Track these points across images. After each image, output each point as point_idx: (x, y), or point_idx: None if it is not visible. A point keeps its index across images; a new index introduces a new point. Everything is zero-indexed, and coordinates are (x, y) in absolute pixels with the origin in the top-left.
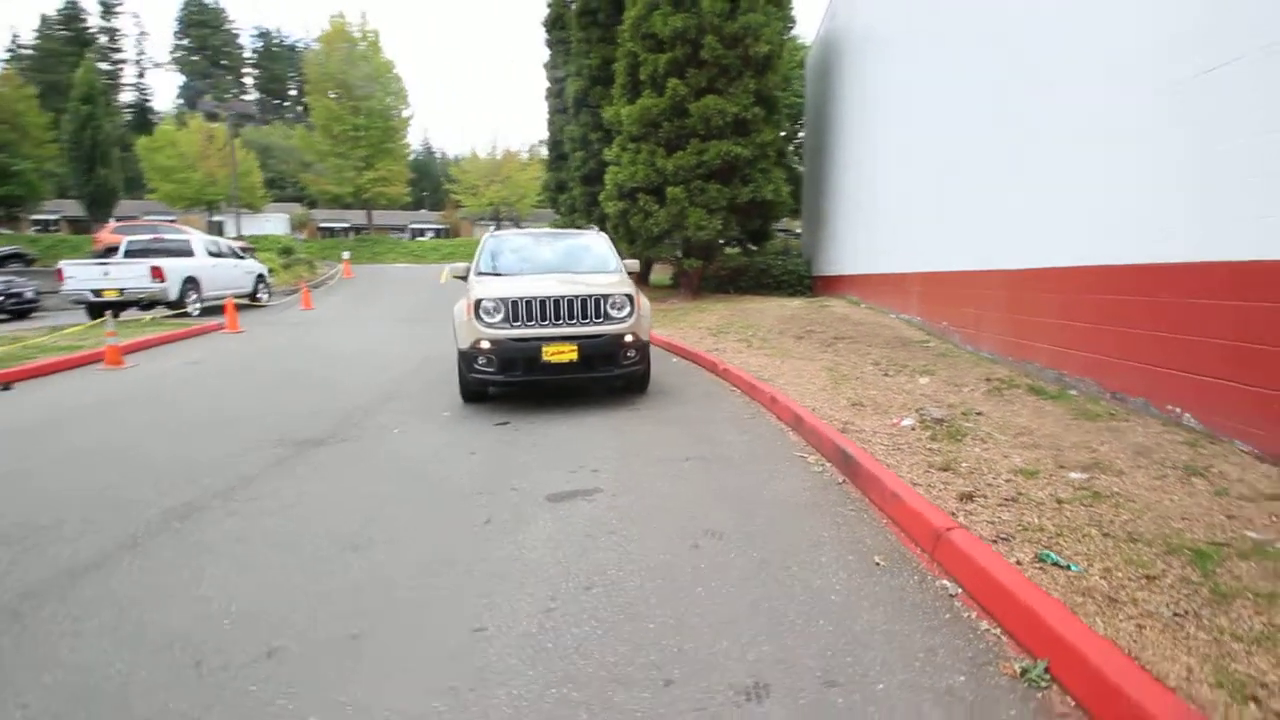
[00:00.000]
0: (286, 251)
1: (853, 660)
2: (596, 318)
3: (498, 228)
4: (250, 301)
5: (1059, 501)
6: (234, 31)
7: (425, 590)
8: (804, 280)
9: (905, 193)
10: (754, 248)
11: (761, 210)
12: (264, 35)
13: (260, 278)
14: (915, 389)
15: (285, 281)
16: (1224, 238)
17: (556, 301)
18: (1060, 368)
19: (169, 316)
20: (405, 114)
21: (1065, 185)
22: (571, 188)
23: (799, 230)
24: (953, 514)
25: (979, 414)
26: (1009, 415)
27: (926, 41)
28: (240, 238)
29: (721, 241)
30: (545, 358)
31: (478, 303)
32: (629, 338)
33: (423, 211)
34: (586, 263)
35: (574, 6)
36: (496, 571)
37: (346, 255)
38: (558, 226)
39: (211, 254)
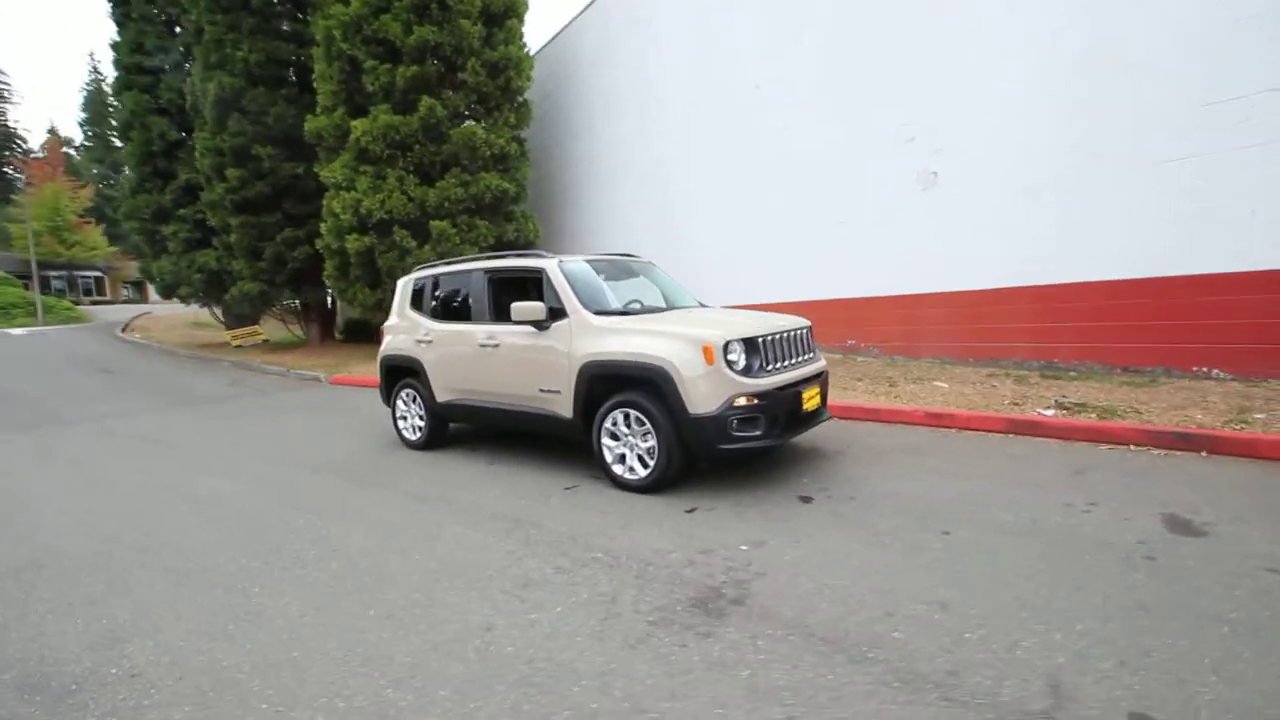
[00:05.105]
0: None
1: None
2: (811, 355)
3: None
4: None
5: None
6: None
7: None
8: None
9: (793, 229)
10: None
11: (524, 250)
12: None
13: None
14: (952, 390)
15: None
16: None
17: (788, 337)
18: (1048, 358)
19: None
20: None
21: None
22: (209, 216)
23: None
24: None
25: (1064, 397)
26: (1094, 394)
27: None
28: None
29: None
30: (805, 406)
31: (725, 346)
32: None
33: None
34: (684, 295)
35: None
36: None
37: None
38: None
39: None
